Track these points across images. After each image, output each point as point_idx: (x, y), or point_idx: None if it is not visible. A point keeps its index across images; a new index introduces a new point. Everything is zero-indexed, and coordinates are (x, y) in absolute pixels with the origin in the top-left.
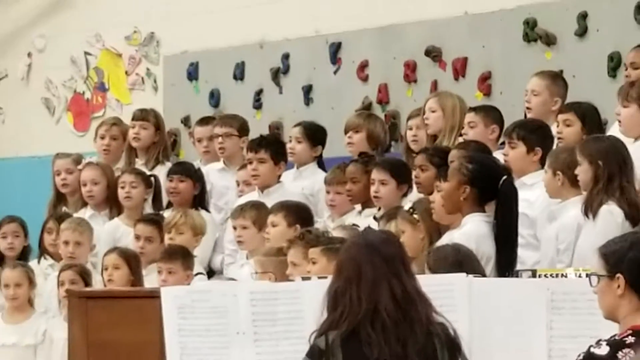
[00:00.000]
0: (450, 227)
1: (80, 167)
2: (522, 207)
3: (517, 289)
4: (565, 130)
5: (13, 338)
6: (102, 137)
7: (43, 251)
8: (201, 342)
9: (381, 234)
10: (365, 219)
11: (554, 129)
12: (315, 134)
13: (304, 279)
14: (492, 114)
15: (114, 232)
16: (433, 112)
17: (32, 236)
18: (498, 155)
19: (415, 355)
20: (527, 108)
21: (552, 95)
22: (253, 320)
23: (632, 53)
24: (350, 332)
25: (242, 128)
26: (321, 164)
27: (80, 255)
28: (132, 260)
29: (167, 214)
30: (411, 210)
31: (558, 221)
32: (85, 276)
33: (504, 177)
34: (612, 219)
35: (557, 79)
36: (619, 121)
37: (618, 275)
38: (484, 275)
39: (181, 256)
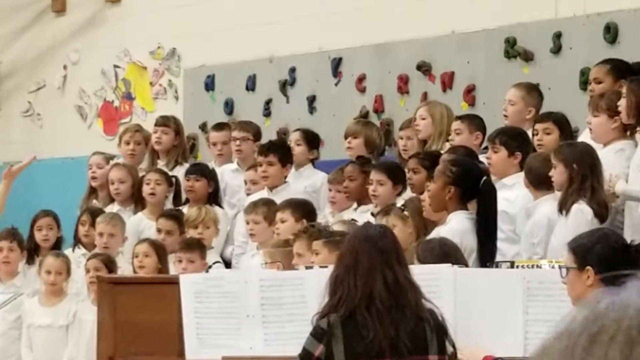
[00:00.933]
0: (438, 223)
1: (108, 167)
2: (502, 206)
3: (497, 278)
4: (545, 138)
5: (48, 320)
6: (127, 143)
7: (77, 241)
8: (215, 323)
9: (379, 228)
10: (360, 215)
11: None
12: (312, 139)
13: (307, 268)
14: (476, 122)
15: (137, 225)
16: (423, 119)
17: (66, 228)
18: (482, 158)
19: (405, 337)
20: (505, 115)
21: (527, 105)
22: (262, 305)
23: (595, 69)
24: (348, 315)
25: (257, 133)
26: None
27: (113, 246)
28: (160, 250)
29: (184, 210)
30: (402, 207)
31: (532, 218)
32: (108, 264)
33: (484, 178)
34: (582, 217)
35: (532, 91)
36: (590, 129)
37: (587, 267)
38: (467, 266)
39: (199, 247)
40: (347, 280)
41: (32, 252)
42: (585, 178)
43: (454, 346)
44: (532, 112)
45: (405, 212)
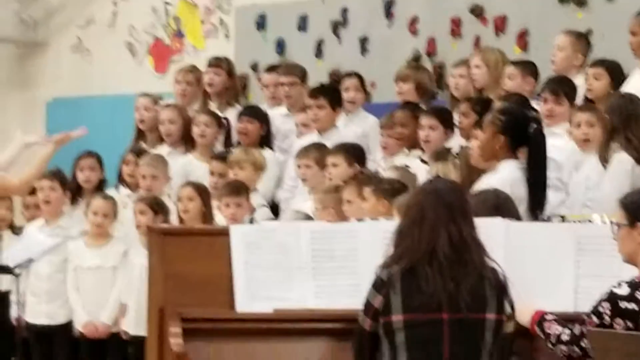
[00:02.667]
0: (487, 170)
1: (158, 107)
2: (550, 153)
3: (549, 233)
4: (594, 84)
5: (97, 261)
6: (179, 83)
7: (121, 181)
8: (266, 275)
9: (447, 182)
10: (412, 160)
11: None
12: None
13: (358, 220)
14: (529, 68)
15: (186, 166)
16: (478, 68)
17: (114, 168)
18: (534, 105)
19: (466, 293)
20: (552, 61)
21: (575, 52)
22: (313, 257)
23: (633, 22)
24: (409, 268)
25: (304, 75)
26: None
27: (156, 188)
28: (204, 194)
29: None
30: (455, 156)
31: (587, 166)
32: (154, 206)
33: (534, 126)
34: (621, 166)
35: (581, 38)
36: None
37: (638, 224)
38: (519, 218)
39: (245, 191)
40: (411, 233)
41: (75, 192)
42: (617, 129)
43: (512, 307)
44: (580, 60)
45: (457, 161)
